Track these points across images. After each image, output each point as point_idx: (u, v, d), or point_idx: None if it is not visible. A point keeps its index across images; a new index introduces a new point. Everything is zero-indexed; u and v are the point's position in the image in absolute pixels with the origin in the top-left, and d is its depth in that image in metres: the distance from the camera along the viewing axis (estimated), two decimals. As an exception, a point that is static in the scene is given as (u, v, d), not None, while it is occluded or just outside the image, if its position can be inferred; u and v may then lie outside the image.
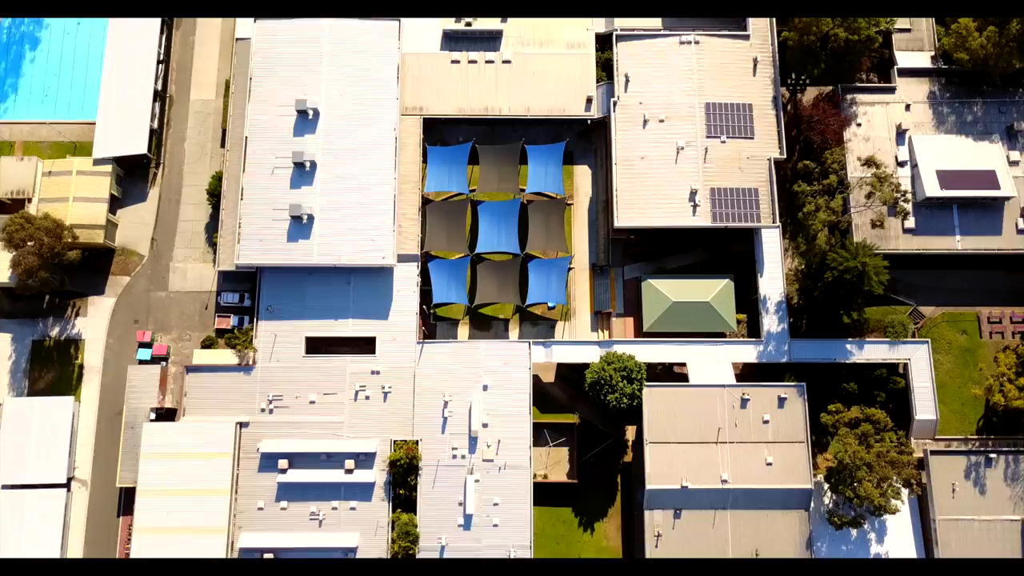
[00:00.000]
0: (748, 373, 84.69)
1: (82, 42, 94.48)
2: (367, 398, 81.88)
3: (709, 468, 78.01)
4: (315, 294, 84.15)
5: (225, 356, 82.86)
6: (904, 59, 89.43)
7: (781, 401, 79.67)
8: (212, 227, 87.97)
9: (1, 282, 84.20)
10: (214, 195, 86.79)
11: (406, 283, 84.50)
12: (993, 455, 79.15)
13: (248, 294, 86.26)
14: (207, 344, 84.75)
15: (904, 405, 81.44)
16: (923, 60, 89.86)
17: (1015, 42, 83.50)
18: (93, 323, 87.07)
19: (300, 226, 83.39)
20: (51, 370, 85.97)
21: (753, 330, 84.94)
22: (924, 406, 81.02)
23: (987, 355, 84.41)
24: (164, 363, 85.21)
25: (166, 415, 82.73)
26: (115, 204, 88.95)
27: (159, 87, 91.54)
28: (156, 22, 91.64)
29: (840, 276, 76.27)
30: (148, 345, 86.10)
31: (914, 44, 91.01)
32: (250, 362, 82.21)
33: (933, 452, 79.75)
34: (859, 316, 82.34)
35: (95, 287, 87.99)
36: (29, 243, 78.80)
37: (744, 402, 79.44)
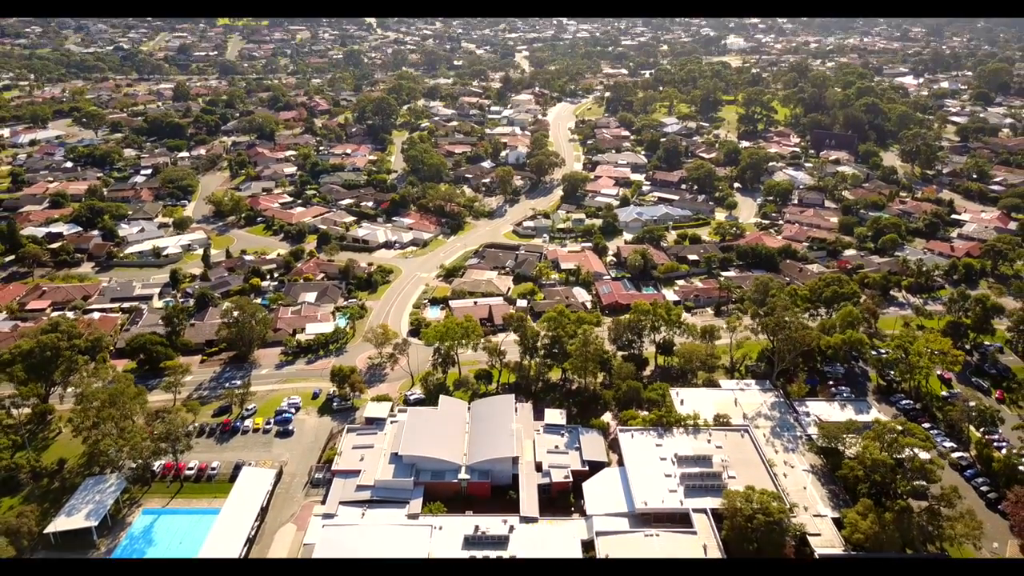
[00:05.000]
0: None
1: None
2: None
3: None
4: None
5: None
6: (820, 550, 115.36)
7: None
8: None
9: None
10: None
11: None
12: None
13: None
14: None
15: None
16: (839, 552, 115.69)
17: (893, 524, 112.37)
18: None
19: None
20: None
21: None
22: None
23: None
24: None
25: None
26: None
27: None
28: (244, 538, 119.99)
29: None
30: None
31: (826, 543, 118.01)
32: None
33: None
34: None
35: None
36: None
37: None
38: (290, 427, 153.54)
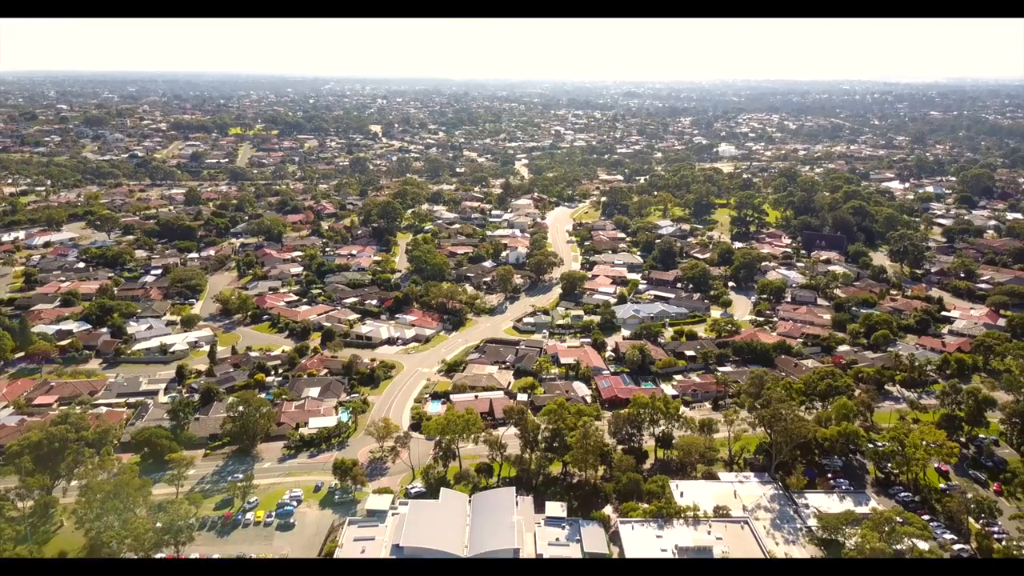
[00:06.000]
0: None
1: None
2: None
3: None
4: None
5: None
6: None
7: None
8: None
9: None
10: None
11: None
12: None
13: None
14: None
15: None
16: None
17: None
18: None
19: None
20: None
21: None
22: None
23: None
24: None
25: None
26: None
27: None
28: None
29: None
30: None
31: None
32: None
33: None
34: None
35: None
36: None
37: None
38: (291, 520, 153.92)
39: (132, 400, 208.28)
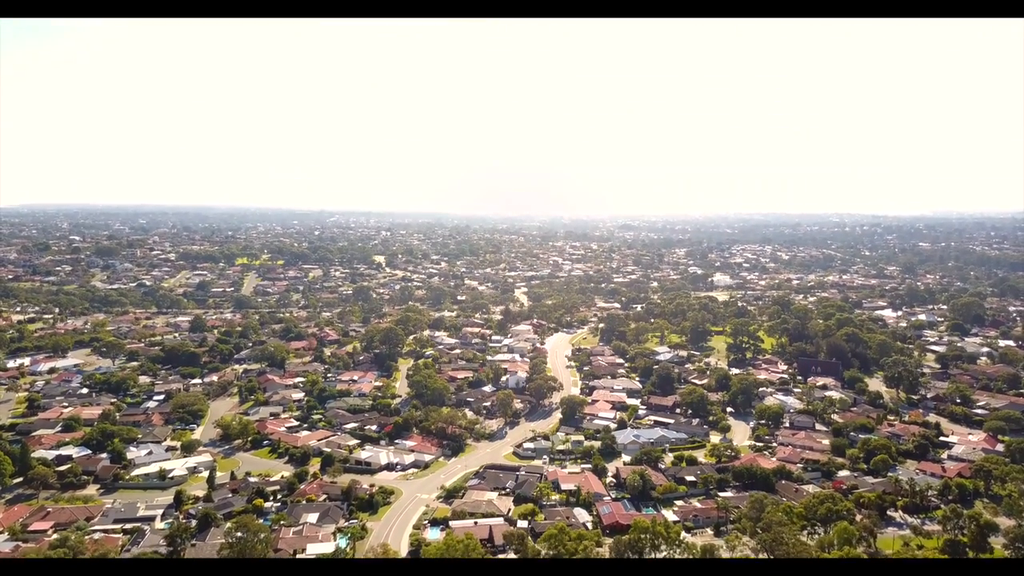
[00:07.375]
0: None
1: None
2: None
3: None
4: None
5: None
6: None
7: None
8: None
9: None
10: None
11: None
12: None
13: None
14: None
15: None
16: None
17: None
18: None
19: None
20: None
21: None
22: None
23: None
24: None
25: None
26: None
27: None
28: None
29: None
30: None
31: None
32: None
33: None
34: None
35: None
36: None
37: None
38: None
39: (128, 526, 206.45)
